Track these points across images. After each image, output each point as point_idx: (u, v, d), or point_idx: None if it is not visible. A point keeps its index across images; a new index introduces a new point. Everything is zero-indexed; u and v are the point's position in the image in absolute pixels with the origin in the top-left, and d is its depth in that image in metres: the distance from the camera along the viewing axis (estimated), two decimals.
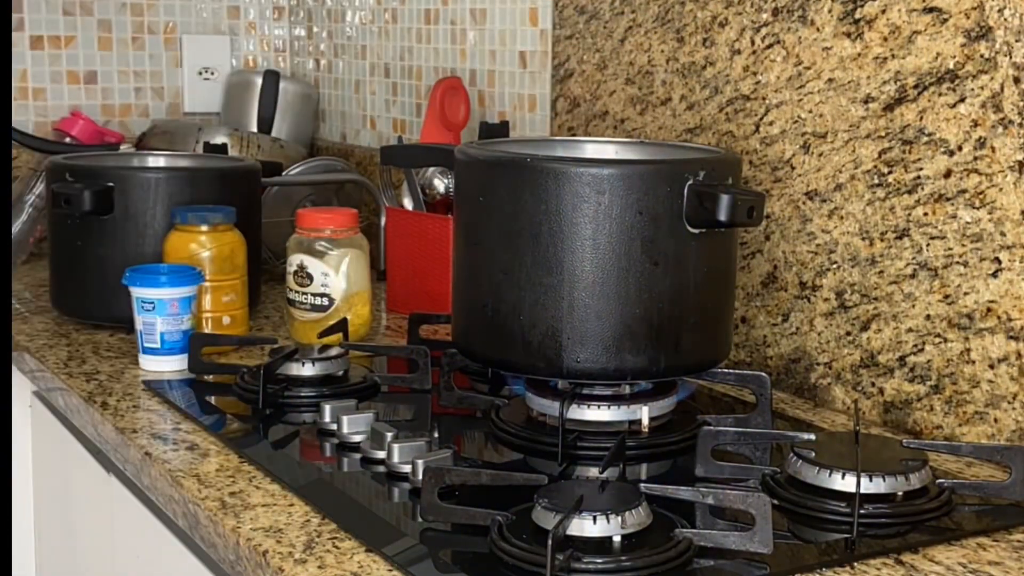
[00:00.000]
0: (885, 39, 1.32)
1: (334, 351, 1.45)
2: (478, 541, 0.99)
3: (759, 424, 1.27)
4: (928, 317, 1.29)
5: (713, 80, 1.53)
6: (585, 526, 0.95)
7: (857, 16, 1.35)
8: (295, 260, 1.60)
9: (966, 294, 1.25)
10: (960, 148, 1.25)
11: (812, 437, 1.15)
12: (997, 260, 1.22)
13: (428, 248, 1.75)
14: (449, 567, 0.98)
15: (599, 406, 1.23)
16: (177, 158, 1.89)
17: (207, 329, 1.58)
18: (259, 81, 2.39)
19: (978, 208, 1.23)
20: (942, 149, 1.26)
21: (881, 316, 1.34)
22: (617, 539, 0.96)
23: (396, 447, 1.15)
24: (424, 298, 1.73)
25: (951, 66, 1.25)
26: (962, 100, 1.24)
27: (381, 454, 1.17)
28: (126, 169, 1.76)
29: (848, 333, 1.38)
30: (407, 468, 1.13)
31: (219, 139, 2.13)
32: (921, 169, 1.29)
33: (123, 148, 2.22)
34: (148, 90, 2.51)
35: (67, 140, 2.27)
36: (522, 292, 1.21)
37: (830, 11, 1.37)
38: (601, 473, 1.11)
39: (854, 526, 1.03)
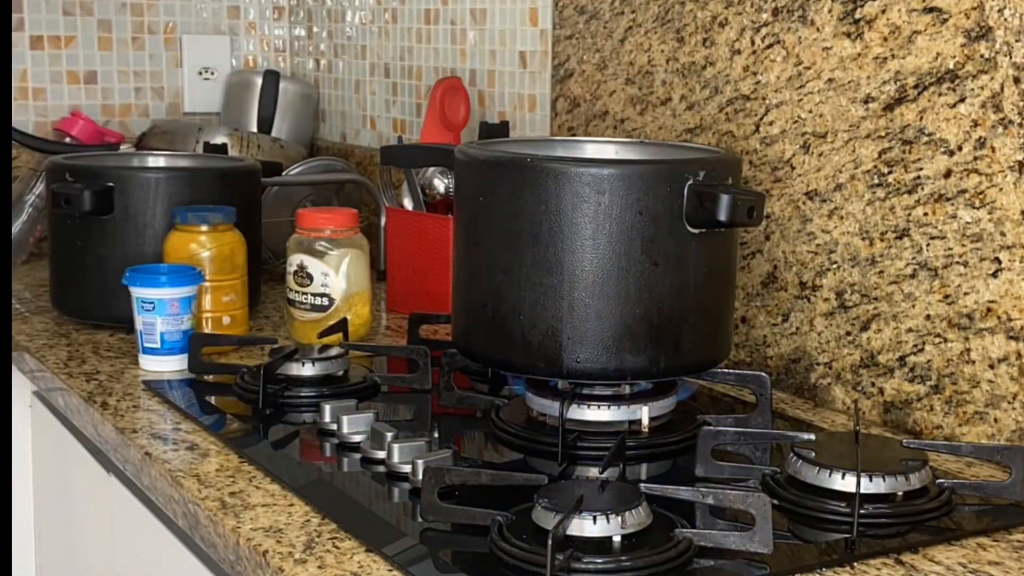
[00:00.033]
0: (885, 39, 1.32)
1: (334, 351, 1.45)
2: (478, 541, 0.99)
3: (759, 424, 1.27)
4: (928, 317, 1.29)
5: (713, 80, 1.53)
6: (585, 526, 0.95)
7: (857, 16, 1.35)
8: (295, 260, 1.60)
9: (966, 294, 1.25)
10: (960, 148, 1.25)
11: (812, 437, 1.15)
12: (997, 260, 1.22)
13: (428, 248, 1.75)
14: (449, 567, 0.98)
15: (599, 406, 1.23)
16: (177, 158, 1.89)
17: (207, 329, 1.58)
18: (259, 81, 2.39)
19: (978, 208, 1.23)
20: (942, 149, 1.26)
21: (881, 316, 1.34)
22: (617, 539, 0.96)
23: (396, 447, 1.15)
24: (424, 298, 1.73)
25: (951, 66, 1.25)
26: (962, 100, 1.24)
27: (381, 454, 1.17)
28: (126, 169, 1.76)
29: (848, 333, 1.38)
30: (407, 468, 1.13)
31: (219, 139, 2.13)
32: (921, 169, 1.29)
33: (123, 148, 2.22)
34: (148, 90, 2.51)
35: (67, 140, 2.27)
36: (522, 292, 1.21)
37: (830, 11, 1.37)
38: (601, 473, 1.11)
39: (854, 526, 1.03)
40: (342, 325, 1.54)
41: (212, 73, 2.56)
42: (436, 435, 1.17)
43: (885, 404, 1.34)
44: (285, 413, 1.36)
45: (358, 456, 1.21)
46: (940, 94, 1.26)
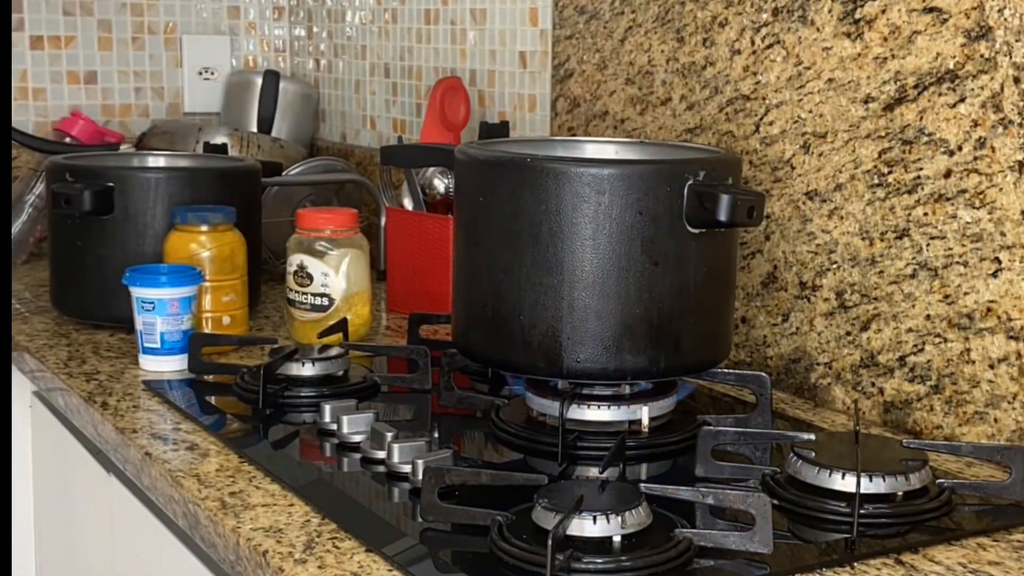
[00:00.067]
0: (885, 39, 1.32)
1: (334, 351, 1.45)
2: (478, 541, 0.99)
3: (759, 424, 1.27)
4: (928, 317, 1.29)
5: (713, 80, 1.53)
6: (585, 526, 0.95)
7: (857, 16, 1.35)
8: (295, 260, 1.60)
9: (966, 294, 1.25)
10: (960, 148, 1.25)
11: (812, 437, 1.15)
12: (997, 260, 1.22)
13: (428, 248, 1.75)
14: (449, 567, 0.98)
15: (599, 406, 1.23)
16: (177, 158, 1.89)
17: (207, 329, 1.58)
18: (259, 81, 2.39)
19: (978, 208, 1.23)
20: (942, 149, 1.26)
21: (881, 316, 1.34)
22: (617, 539, 0.96)
23: (396, 447, 1.15)
24: (424, 298, 1.73)
25: (951, 66, 1.25)
26: (962, 100, 1.24)
27: (381, 454, 1.17)
28: (126, 169, 1.76)
29: (848, 333, 1.38)
30: (407, 468, 1.13)
31: (219, 139, 2.13)
32: (921, 169, 1.29)
33: (123, 148, 2.22)
34: (148, 90, 2.51)
35: (67, 140, 2.27)
36: (522, 292, 1.21)
37: (830, 11, 1.37)
38: (601, 473, 1.11)
39: (854, 526, 1.03)
40: (342, 325, 1.54)
41: (212, 73, 2.56)
42: (436, 435, 1.17)
43: (885, 404, 1.34)
44: (285, 413, 1.36)
45: (358, 456, 1.21)
46: (940, 94, 1.26)
